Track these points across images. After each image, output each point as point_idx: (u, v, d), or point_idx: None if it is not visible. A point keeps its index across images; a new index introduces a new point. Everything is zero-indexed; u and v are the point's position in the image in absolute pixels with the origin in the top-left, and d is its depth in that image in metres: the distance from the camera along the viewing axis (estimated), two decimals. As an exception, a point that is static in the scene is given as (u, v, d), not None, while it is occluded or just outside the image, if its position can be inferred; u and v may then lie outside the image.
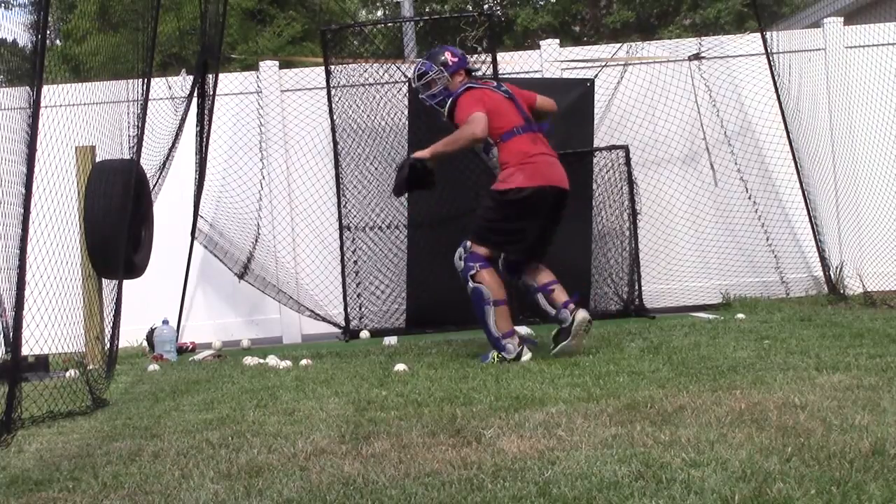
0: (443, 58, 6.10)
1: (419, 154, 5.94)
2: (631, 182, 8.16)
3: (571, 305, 5.73)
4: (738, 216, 8.71)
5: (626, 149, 8.22)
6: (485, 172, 7.86)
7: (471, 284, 5.70)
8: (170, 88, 7.71)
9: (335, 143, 8.24)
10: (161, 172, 7.22)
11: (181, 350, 7.91)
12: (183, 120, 7.65)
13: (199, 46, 8.24)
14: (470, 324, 7.69)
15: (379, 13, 26.89)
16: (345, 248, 8.25)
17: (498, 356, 5.60)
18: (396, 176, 6.10)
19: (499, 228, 5.79)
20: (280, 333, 8.63)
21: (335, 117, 8.22)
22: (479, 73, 8.02)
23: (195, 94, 7.94)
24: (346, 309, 8.18)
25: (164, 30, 7.24)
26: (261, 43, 19.51)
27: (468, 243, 5.77)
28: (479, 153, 6.19)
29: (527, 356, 5.61)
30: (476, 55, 8.21)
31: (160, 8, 6.65)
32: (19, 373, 4.33)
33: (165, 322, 7.48)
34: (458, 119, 5.85)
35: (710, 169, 8.68)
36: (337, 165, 8.24)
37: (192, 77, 8.00)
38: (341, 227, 8.25)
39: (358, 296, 8.32)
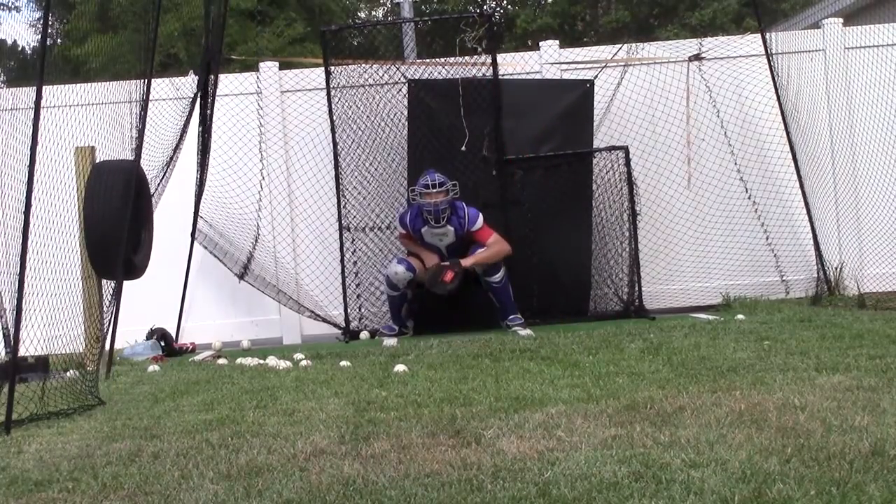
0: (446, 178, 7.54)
1: (465, 263, 7.49)
2: (631, 182, 8.15)
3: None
4: (738, 217, 8.71)
5: (625, 149, 8.22)
6: (484, 173, 7.89)
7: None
8: (177, 90, 7.70)
9: (335, 144, 8.24)
10: (164, 173, 7.22)
11: (181, 350, 7.92)
12: (188, 120, 7.65)
13: (203, 47, 8.24)
14: (469, 324, 7.73)
15: (379, 12, 26.89)
16: (345, 249, 8.25)
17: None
18: (442, 281, 7.44)
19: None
20: (280, 334, 8.63)
21: (335, 118, 8.22)
22: (479, 75, 8.07)
23: (198, 94, 7.94)
24: (346, 309, 8.18)
25: (163, 30, 7.25)
26: (261, 44, 19.50)
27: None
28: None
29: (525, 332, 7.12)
30: (476, 56, 8.21)
31: (160, 9, 6.65)
32: (19, 373, 4.32)
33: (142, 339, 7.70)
34: (490, 232, 7.58)
35: (709, 169, 8.68)
36: (337, 166, 8.24)
37: (196, 78, 8.00)
38: (341, 228, 8.25)
39: (358, 296, 8.32)
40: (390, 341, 7.32)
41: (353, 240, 8.29)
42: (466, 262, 7.49)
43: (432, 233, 7.57)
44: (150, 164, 6.75)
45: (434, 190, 7.43)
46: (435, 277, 7.47)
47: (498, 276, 7.58)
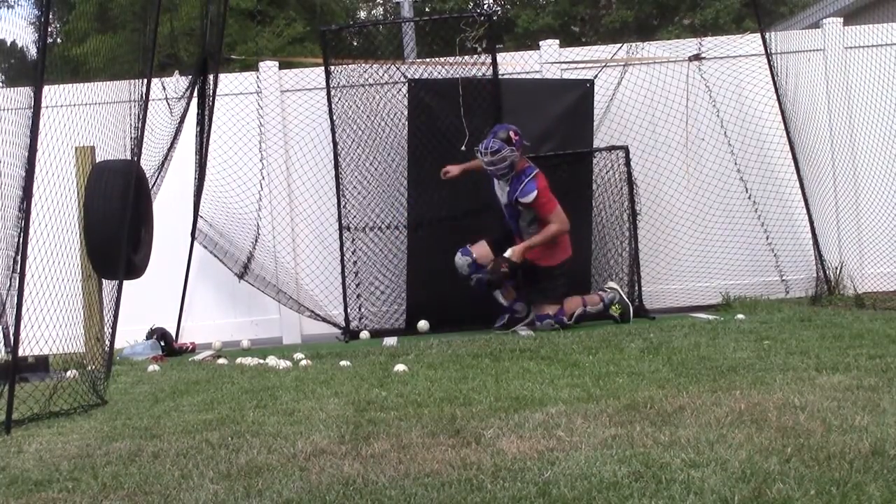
0: (509, 135, 7.29)
1: (515, 257, 7.30)
2: (631, 182, 8.16)
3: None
4: (738, 216, 8.71)
5: (625, 149, 8.22)
6: (484, 174, 7.88)
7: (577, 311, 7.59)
8: (164, 89, 7.70)
9: (335, 144, 8.23)
10: (159, 173, 7.22)
11: (181, 350, 7.92)
12: (181, 121, 7.64)
13: (200, 47, 8.24)
14: (469, 324, 7.73)
15: (379, 10, 26.88)
16: (345, 249, 8.25)
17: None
18: (494, 277, 7.32)
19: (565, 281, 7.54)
20: (280, 334, 8.63)
21: (335, 118, 8.22)
22: (479, 74, 8.07)
23: (194, 94, 7.94)
24: (345, 309, 8.18)
25: (161, 30, 7.22)
26: (260, 43, 19.50)
27: (550, 311, 7.44)
28: (519, 220, 7.52)
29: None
30: (476, 55, 8.21)
31: (160, 9, 6.65)
32: (19, 373, 4.33)
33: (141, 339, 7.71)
34: (547, 210, 7.33)
35: (712, 170, 8.68)
36: (337, 166, 8.24)
37: (186, 78, 8.00)
38: (341, 228, 8.25)
39: (358, 296, 8.32)
40: (390, 341, 7.33)
41: (353, 240, 8.29)
42: (517, 256, 7.31)
43: (498, 185, 7.54)
44: (146, 165, 6.75)
45: (483, 157, 7.33)
46: (492, 274, 7.35)
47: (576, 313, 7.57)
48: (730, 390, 3.99)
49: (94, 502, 2.95)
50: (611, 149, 8.29)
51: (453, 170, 7.63)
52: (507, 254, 7.31)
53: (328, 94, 8.22)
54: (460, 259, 7.45)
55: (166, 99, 7.54)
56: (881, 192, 8.63)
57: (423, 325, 7.95)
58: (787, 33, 9.28)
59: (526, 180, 7.32)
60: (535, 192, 7.29)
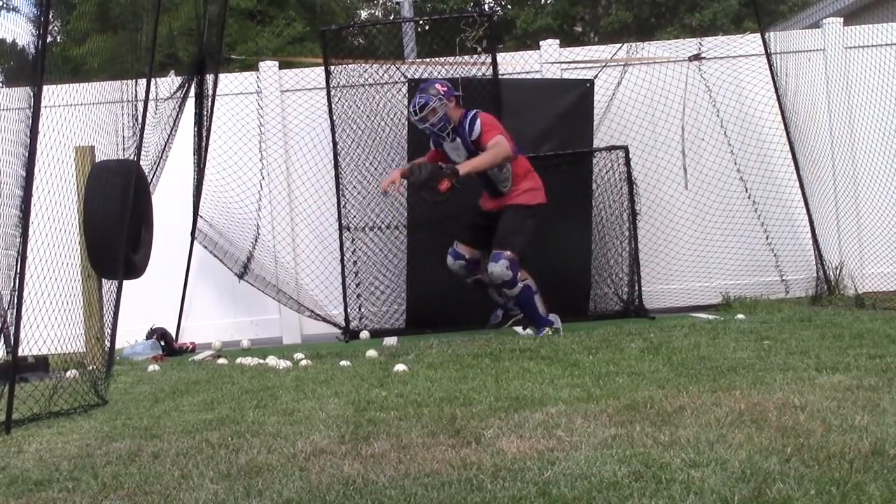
0: (435, 88, 6.96)
1: (461, 171, 6.80)
2: (631, 182, 8.16)
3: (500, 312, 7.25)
4: (738, 217, 8.71)
5: (625, 149, 8.22)
6: (483, 174, 7.86)
7: (520, 285, 6.89)
8: (156, 89, 7.70)
9: (335, 144, 8.24)
10: (154, 173, 7.22)
11: (181, 350, 7.92)
12: (176, 121, 7.63)
13: (197, 47, 8.24)
14: (469, 324, 7.72)
15: (379, 11, 26.88)
16: (345, 249, 8.25)
17: (551, 330, 6.95)
18: (435, 188, 6.85)
19: (532, 238, 7.00)
20: (280, 333, 8.63)
21: (335, 117, 8.22)
22: (479, 74, 8.06)
23: (191, 94, 7.93)
24: (345, 309, 8.18)
25: (161, 30, 7.23)
26: (260, 43, 19.49)
27: (509, 253, 6.80)
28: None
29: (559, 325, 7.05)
30: (476, 55, 8.21)
31: (160, 9, 6.66)
32: (19, 373, 4.32)
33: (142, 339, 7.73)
34: (486, 139, 6.86)
35: (712, 170, 8.69)
36: (337, 166, 8.24)
37: (180, 78, 8.00)
38: (341, 228, 8.25)
39: (358, 296, 8.32)
40: (390, 341, 7.33)
41: (353, 239, 8.29)
42: (463, 168, 6.80)
43: (449, 147, 7.15)
44: (142, 164, 6.75)
45: (415, 119, 6.99)
46: (428, 182, 6.82)
47: (515, 290, 6.92)
48: (730, 390, 3.99)
49: (94, 502, 2.95)
50: (611, 149, 8.29)
51: (393, 176, 7.05)
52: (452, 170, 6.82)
53: (328, 93, 8.22)
54: (453, 263, 7.26)
55: (156, 99, 7.54)
56: (881, 191, 8.63)
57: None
58: (787, 33, 9.28)
59: (469, 119, 6.96)
60: (478, 122, 6.90)
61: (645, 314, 7.93)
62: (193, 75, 8.00)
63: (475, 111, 7.05)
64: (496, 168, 6.92)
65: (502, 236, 6.88)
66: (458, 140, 7.06)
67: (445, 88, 6.98)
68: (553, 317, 7.09)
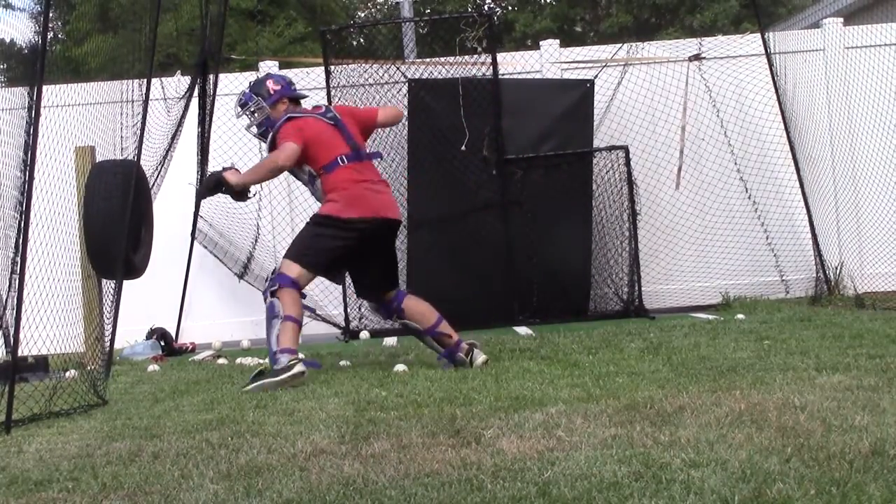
0: (265, 87, 5.83)
1: (230, 179, 5.76)
2: (631, 182, 8.16)
3: (464, 346, 5.58)
4: (739, 217, 8.71)
5: (625, 149, 8.22)
6: (484, 172, 7.86)
7: (269, 299, 5.45)
8: (163, 90, 7.70)
9: (335, 144, 8.22)
10: (158, 174, 7.22)
11: (181, 350, 7.91)
12: (180, 121, 7.63)
13: (200, 47, 8.24)
14: (469, 324, 7.71)
15: (378, 11, 26.87)
16: (345, 249, 8.23)
17: (269, 369, 5.29)
18: (202, 184, 6.27)
19: (320, 248, 5.57)
20: (280, 334, 8.62)
21: (335, 118, 8.21)
22: (479, 74, 8.06)
23: (194, 94, 7.93)
24: (345, 309, 8.18)
25: (161, 30, 7.25)
26: (261, 43, 19.49)
27: (279, 265, 5.62)
28: (305, 185, 5.95)
29: (299, 368, 5.18)
30: (476, 55, 8.21)
31: (160, 9, 6.66)
32: (18, 373, 4.32)
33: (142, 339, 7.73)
34: (278, 146, 5.63)
35: (712, 170, 8.69)
36: (337, 166, 8.23)
37: (187, 78, 7.99)
38: (341, 228, 8.23)
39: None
40: (390, 341, 7.33)
41: (353, 239, 8.26)
42: (232, 173, 5.83)
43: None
44: (145, 165, 6.75)
45: (237, 117, 6.07)
46: (216, 191, 5.97)
47: (266, 301, 5.55)
48: (730, 390, 3.99)
49: (94, 502, 2.95)
50: (611, 149, 8.29)
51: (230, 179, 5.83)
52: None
53: (328, 94, 8.21)
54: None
55: (164, 99, 7.54)
56: (881, 191, 8.63)
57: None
58: (787, 33, 9.29)
59: (277, 126, 5.69)
60: (280, 131, 5.63)
61: (645, 314, 7.93)
62: (199, 75, 7.99)
63: (288, 116, 5.70)
64: (310, 185, 5.79)
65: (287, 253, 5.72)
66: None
67: (277, 88, 5.82)
68: (287, 357, 5.22)
